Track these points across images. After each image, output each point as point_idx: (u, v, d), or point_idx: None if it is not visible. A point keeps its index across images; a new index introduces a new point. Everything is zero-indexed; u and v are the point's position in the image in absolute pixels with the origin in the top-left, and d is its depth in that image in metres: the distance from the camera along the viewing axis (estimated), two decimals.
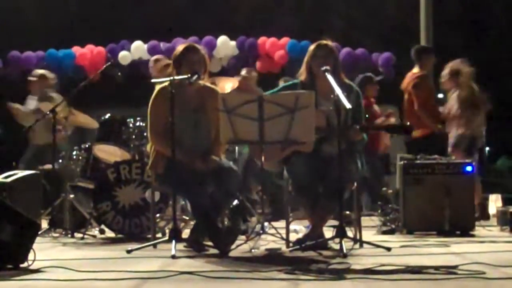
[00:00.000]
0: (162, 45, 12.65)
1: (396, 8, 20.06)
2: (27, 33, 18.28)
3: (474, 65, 8.44)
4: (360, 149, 5.56)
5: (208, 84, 5.81)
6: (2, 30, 16.88)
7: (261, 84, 8.73)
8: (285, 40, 12.66)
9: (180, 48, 5.69)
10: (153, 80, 5.61)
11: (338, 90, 5.01)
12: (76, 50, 12.93)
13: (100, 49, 12.88)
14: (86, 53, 12.81)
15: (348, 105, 4.96)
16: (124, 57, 12.58)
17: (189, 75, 5.37)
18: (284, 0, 21.23)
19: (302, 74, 5.62)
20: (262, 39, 12.78)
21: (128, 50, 12.76)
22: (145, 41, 12.81)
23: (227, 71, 12.52)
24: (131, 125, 6.85)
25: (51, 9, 19.73)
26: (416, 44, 9.91)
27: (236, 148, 7.84)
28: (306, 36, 12.42)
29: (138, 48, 12.71)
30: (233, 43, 12.74)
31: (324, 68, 5.29)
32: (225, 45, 12.65)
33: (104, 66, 7.78)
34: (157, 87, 5.59)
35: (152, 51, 12.48)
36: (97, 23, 19.77)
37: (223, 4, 21.10)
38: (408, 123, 5.47)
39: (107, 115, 7.15)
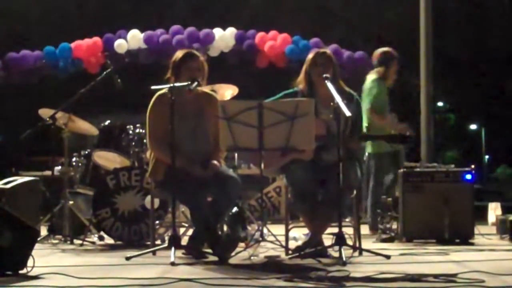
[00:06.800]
0: (160, 32, 12.50)
1: (395, 11, 20.02)
2: (24, 33, 18.25)
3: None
4: (360, 157, 5.55)
5: (206, 90, 5.81)
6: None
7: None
8: (283, 41, 12.32)
9: (179, 54, 5.65)
10: (153, 87, 5.60)
11: (338, 98, 5.01)
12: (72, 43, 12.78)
13: (96, 39, 12.72)
14: (82, 44, 12.68)
15: (348, 113, 4.96)
16: (120, 45, 12.41)
17: (189, 82, 5.38)
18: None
19: (300, 83, 5.61)
20: (260, 38, 12.47)
21: (125, 39, 12.57)
22: (142, 31, 12.59)
23: (227, 58, 12.44)
24: (130, 131, 6.86)
25: (48, 6, 19.69)
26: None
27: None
28: (306, 35, 12.31)
29: (135, 37, 12.55)
30: (231, 33, 12.47)
31: (324, 75, 5.29)
32: (223, 37, 12.44)
33: (104, 73, 7.77)
34: (155, 94, 5.58)
35: (148, 41, 12.40)
36: (94, 17, 19.72)
37: (222, 3, 21.08)
38: (407, 133, 5.44)
39: (107, 122, 7.16)
